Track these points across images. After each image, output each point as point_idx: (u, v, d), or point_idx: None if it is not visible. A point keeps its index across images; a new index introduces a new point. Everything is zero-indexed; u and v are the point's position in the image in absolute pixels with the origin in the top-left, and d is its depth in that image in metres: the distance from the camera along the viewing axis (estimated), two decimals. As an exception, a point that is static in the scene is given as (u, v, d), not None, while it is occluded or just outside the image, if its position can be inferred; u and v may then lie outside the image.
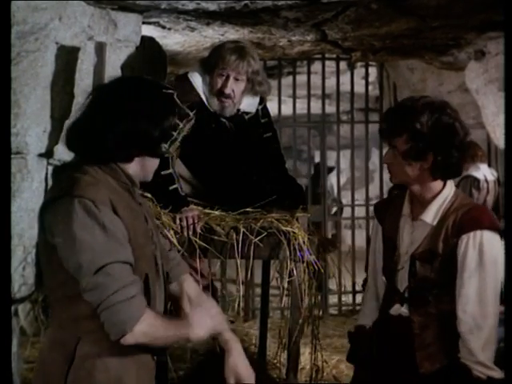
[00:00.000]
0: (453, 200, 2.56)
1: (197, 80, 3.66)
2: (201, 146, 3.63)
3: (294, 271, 3.46)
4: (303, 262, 3.45)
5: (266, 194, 3.58)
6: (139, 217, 2.16)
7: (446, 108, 2.54)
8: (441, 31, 4.79)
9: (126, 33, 3.87)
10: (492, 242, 2.47)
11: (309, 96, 6.95)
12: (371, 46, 5.33)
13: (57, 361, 2.04)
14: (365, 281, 5.94)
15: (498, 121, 5.37)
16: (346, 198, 9.75)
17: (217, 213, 3.48)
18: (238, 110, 3.73)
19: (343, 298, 7.11)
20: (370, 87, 7.56)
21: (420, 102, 2.53)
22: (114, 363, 2.05)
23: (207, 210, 3.50)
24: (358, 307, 6.72)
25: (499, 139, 5.52)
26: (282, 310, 5.75)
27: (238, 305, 4.86)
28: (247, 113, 3.77)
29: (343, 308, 7.08)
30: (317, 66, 7.33)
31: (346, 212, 8.15)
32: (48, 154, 3.48)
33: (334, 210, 8.48)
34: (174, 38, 4.72)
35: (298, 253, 3.43)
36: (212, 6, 3.83)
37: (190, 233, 3.36)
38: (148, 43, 4.20)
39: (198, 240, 3.36)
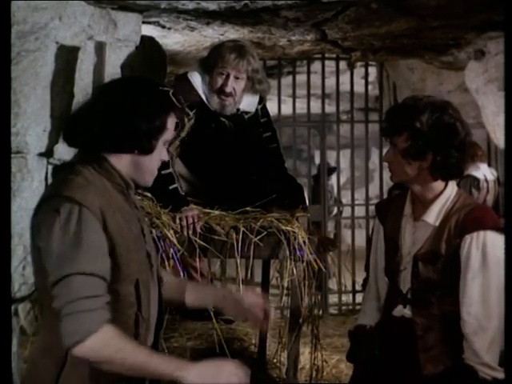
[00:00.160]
0: (455, 200, 2.56)
1: (196, 80, 3.67)
2: (200, 146, 3.63)
3: (294, 271, 3.46)
4: (303, 261, 3.45)
5: (265, 194, 3.59)
6: (132, 220, 2.13)
7: (447, 108, 2.53)
8: (441, 31, 4.79)
9: (126, 32, 3.87)
10: (495, 242, 2.45)
11: (308, 96, 6.95)
12: (371, 46, 5.33)
13: (47, 366, 2.01)
14: (365, 280, 5.95)
15: (497, 120, 5.37)
16: (345, 198, 9.75)
17: (216, 212, 3.48)
18: (238, 109, 3.73)
19: (343, 298, 7.11)
20: (370, 87, 7.56)
21: (422, 102, 2.52)
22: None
23: (207, 210, 3.50)
24: (358, 307, 6.72)
25: (499, 139, 5.52)
26: (282, 309, 5.76)
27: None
28: (247, 112, 3.77)
29: (343, 307, 7.09)
30: (316, 66, 7.33)
31: (346, 212, 8.15)
32: (48, 153, 3.49)
33: (335, 211, 8.48)
34: (174, 38, 4.72)
35: (298, 252, 3.43)
36: (212, 6, 3.83)
37: (190, 232, 3.36)
38: (148, 43, 4.20)
39: (197, 239, 3.36)
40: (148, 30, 4.31)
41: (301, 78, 7.05)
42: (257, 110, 3.80)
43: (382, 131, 2.64)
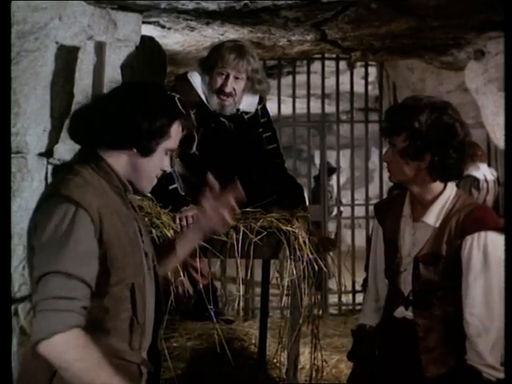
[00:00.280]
0: (455, 201, 2.55)
1: (196, 80, 3.66)
2: (200, 146, 3.63)
3: (294, 271, 3.46)
4: (303, 261, 3.45)
5: (265, 194, 3.59)
6: (129, 223, 2.13)
7: (446, 108, 2.52)
8: (440, 31, 4.80)
9: (126, 32, 3.87)
10: (496, 242, 2.44)
11: (308, 96, 6.95)
12: (371, 46, 5.33)
13: (40, 368, 1.99)
14: (365, 280, 5.95)
15: (497, 120, 5.37)
16: (345, 198, 9.75)
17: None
18: (238, 109, 3.73)
19: (343, 298, 7.10)
20: (370, 87, 7.56)
21: (421, 102, 2.52)
22: None
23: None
24: (357, 307, 6.72)
25: (499, 139, 5.52)
26: (282, 309, 5.76)
27: (238, 304, 4.87)
28: (247, 112, 3.77)
29: (343, 307, 7.08)
30: (316, 66, 7.33)
31: (346, 211, 8.15)
32: (48, 153, 3.49)
33: (335, 212, 8.47)
34: (174, 38, 4.72)
35: (298, 252, 3.43)
36: (212, 6, 3.83)
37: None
38: (148, 43, 4.20)
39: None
40: (148, 30, 4.31)
41: (301, 78, 7.05)
42: (257, 110, 3.80)
43: (381, 131, 2.64)
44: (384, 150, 2.78)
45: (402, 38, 5.01)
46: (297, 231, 3.44)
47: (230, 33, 4.54)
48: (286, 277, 3.58)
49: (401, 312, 2.60)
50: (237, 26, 4.42)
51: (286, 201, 3.62)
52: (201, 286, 4.19)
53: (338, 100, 7.16)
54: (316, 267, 3.47)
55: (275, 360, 4.30)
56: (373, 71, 7.85)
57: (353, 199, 7.33)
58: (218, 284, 5.79)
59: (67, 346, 1.89)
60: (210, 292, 4.18)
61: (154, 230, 3.21)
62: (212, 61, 3.61)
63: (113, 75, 3.77)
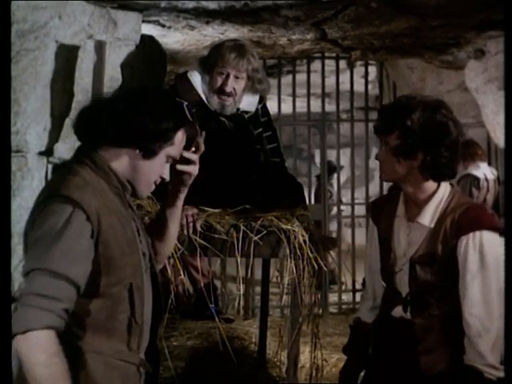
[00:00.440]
0: (449, 200, 2.53)
1: (196, 79, 3.66)
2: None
3: (294, 270, 3.46)
4: (303, 260, 3.45)
5: (265, 193, 3.58)
6: (128, 224, 2.13)
7: (440, 107, 2.50)
8: (440, 30, 4.79)
9: (126, 31, 3.88)
10: (492, 241, 2.43)
11: (308, 95, 6.95)
12: (371, 45, 5.33)
13: None
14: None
15: (497, 120, 5.37)
16: (345, 197, 9.76)
17: (217, 210, 3.48)
18: (238, 109, 3.72)
19: (343, 297, 7.11)
20: (370, 86, 7.56)
21: (414, 100, 2.50)
22: (97, 373, 2.01)
23: (207, 208, 3.49)
24: (358, 306, 6.71)
25: (499, 138, 5.52)
26: (282, 308, 5.77)
27: (238, 303, 4.87)
28: (247, 112, 3.77)
29: (343, 306, 7.09)
30: (316, 65, 7.33)
31: (347, 210, 8.15)
32: (48, 152, 3.49)
33: (335, 211, 8.48)
34: (174, 37, 4.72)
35: (298, 251, 3.43)
36: (212, 5, 3.83)
37: (190, 231, 3.35)
38: (148, 42, 4.20)
39: (197, 238, 3.36)
40: (148, 29, 4.31)
41: (301, 77, 7.05)
42: (257, 109, 3.80)
43: (375, 130, 2.62)
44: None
45: (402, 37, 5.01)
46: (297, 230, 3.44)
47: (230, 32, 4.54)
48: (286, 276, 3.58)
49: (398, 312, 2.59)
50: (237, 25, 4.42)
51: (286, 200, 3.62)
52: (201, 284, 4.19)
53: (338, 99, 7.16)
54: (316, 266, 3.47)
55: (275, 359, 4.30)
56: (373, 70, 7.86)
57: (353, 198, 7.33)
58: (218, 283, 5.79)
59: (37, 347, 1.87)
60: (211, 291, 4.18)
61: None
62: (212, 60, 3.61)
63: (113, 74, 3.78)
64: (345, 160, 9.09)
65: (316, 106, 7.91)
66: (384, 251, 2.66)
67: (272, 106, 4.64)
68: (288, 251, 3.43)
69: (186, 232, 3.34)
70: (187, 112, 2.23)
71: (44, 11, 3.37)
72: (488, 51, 5.34)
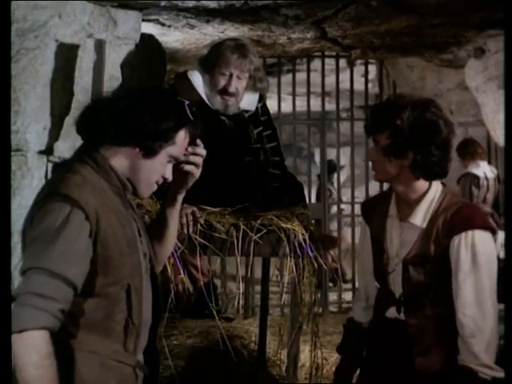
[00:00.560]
0: (441, 200, 2.52)
1: (196, 78, 3.66)
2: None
3: (294, 269, 3.46)
4: (303, 259, 3.45)
5: (265, 192, 3.58)
6: (128, 224, 2.12)
7: (429, 106, 2.49)
8: (441, 29, 4.79)
9: (126, 30, 3.87)
10: (484, 241, 2.44)
11: (308, 93, 6.95)
12: (371, 44, 5.33)
13: None
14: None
15: (497, 118, 5.37)
16: (345, 196, 9.76)
17: (216, 210, 3.48)
18: (238, 108, 3.73)
19: (343, 296, 7.11)
20: (370, 85, 7.56)
21: (404, 99, 2.50)
22: (91, 373, 2.01)
23: (207, 207, 3.49)
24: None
25: (499, 137, 5.52)
26: (282, 307, 5.77)
27: (238, 302, 4.87)
28: (247, 111, 3.77)
29: (343, 305, 7.09)
30: (316, 64, 7.33)
31: (347, 209, 8.15)
32: (48, 151, 3.49)
33: (335, 209, 8.48)
34: (174, 36, 4.72)
35: (298, 250, 3.43)
36: (212, 4, 3.83)
37: (190, 230, 3.35)
38: (147, 41, 4.20)
39: (197, 237, 3.36)
40: (148, 28, 4.31)
41: (301, 76, 7.05)
42: (257, 108, 3.80)
43: (365, 129, 2.61)
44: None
45: (402, 36, 5.01)
46: (297, 229, 3.44)
47: (230, 31, 4.54)
48: (285, 274, 3.58)
49: (392, 313, 2.58)
50: (237, 24, 4.42)
51: (286, 198, 3.62)
52: (201, 283, 4.19)
53: (338, 98, 7.16)
54: (316, 265, 3.47)
55: (275, 358, 4.31)
56: (373, 69, 7.85)
57: (353, 197, 7.33)
58: (218, 282, 5.79)
59: (31, 347, 1.86)
60: (211, 290, 4.18)
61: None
62: (214, 60, 3.60)
63: (113, 73, 3.78)
64: (345, 159, 9.09)
65: (316, 104, 7.91)
66: (377, 251, 2.66)
67: (272, 104, 4.64)
68: (288, 250, 3.43)
69: (185, 231, 3.34)
70: (188, 111, 2.21)
71: (44, 10, 3.37)
72: (488, 50, 5.34)
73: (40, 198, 2.04)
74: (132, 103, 2.10)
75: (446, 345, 2.48)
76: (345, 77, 7.34)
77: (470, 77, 5.76)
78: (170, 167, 2.19)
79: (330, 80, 7.35)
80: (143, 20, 4.05)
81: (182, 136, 2.17)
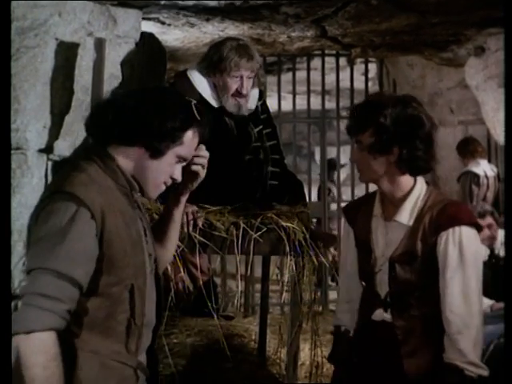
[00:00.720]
0: (426, 198, 2.53)
1: (196, 78, 3.66)
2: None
3: (294, 267, 3.46)
4: (303, 257, 3.45)
5: (265, 190, 3.58)
6: (133, 224, 2.10)
7: (410, 101, 2.51)
8: (441, 27, 4.80)
9: (126, 29, 3.87)
10: (471, 237, 2.45)
11: (308, 92, 6.94)
12: (371, 42, 5.33)
13: None
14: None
15: (497, 117, 5.38)
16: (346, 194, 9.75)
17: (216, 208, 3.48)
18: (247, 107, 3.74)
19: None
20: (370, 83, 7.55)
21: (385, 97, 2.53)
22: (91, 373, 2.00)
23: (207, 206, 3.49)
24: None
25: (499, 135, 5.53)
26: (282, 305, 5.77)
27: (238, 300, 4.87)
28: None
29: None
30: (316, 62, 7.32)
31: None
32: (48, 149, 3.49)
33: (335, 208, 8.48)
34: (174, 34, 4.72)
35: (298, 248, 3.43)
36: (212, 2, 3.84)
37: (190, 228, 3.35)
38: (147, 39, 4.19)
39: (197, 235, 3.36)
40: (148, 27, 4.31)
41: (301, 75, 7.05)
42: (257, 106, 3.80)
43: (347, 130, 2.61)
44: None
45: (402, 35, 5.01)
46: (297, 227, 3.44)
47: (230, 29, 4.54)
48: (285, 273, 3.58)
49: (379, 315, 2.57)
50: (237, 23, 4.42)
51: (286, 197, 3.62)
52: (201, 282, 4.19)
53: (338, 96, 7.15)
54: (316, 263, 3.47)
55: (275, 356, 4.31)
56: (373, 67, 7.85)
57: (353, 195, 7.32)
58: (218, 280, 5.79)
59: (38, 349, 1.86)
60: (210, 288, 4.18)
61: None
62: (221, 64, 3.59)
63: (112, 72, 3.77)
64: (345, 157, 9.05)
65: (316, 103, 7.91)
66: (362, 253, 2.65)
67: (272, 103, 4.64)
68: (288, 248, 3.43)
69: (185, 229, 3.34)
70: (195, 111, 2.20)
71: (44, 9, 3.37)
72: (488, 48, 5.34)
73: (45, 195, 2.03)
74: (137, 103, 2.09)
75: (434, 345, 2.47)
76: (345, 75, 7.33)
77: (470, 75, 5.76)
78: (178, 168, 2.17)
79: (330, 78, 7.35)
80: (143, 18, 4.05)
81: (189, 136, 2.15)
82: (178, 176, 2.18)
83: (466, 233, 2.44)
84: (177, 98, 2.22)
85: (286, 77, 7.50)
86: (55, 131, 3.51)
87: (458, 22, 4.65)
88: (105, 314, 2.02)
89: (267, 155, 3.80)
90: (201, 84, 3.64)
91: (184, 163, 2.20)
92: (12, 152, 3.24)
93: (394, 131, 2.44)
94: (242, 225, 3.40)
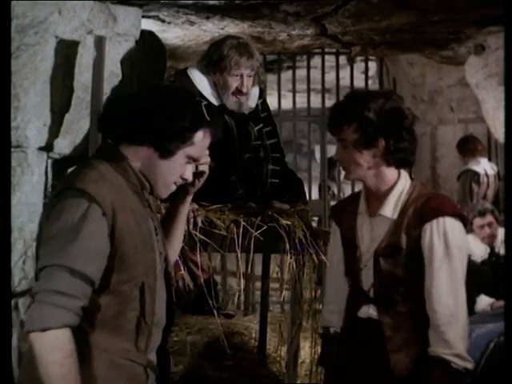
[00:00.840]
0: (410, 192, 2.53)
1: (196, 76, 3.67)
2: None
3: (294, 265, 3.46)
4: (303, 255, 3.45)
5: (266, 188, 3.59)
6: (144, 222, 2.10)
7: (391, 94, 2.55)
8: (441, 25, 4.79)
9: (126, 27, 3.87)
10: (455, 228, 2.45)
11: (308, 90, 6.94)
12: (371, 41, 5.33)
13: None
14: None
15: (498, 115, 5.37)
16: (346, 192, 9.75)
17: (217, 206, 3.48)
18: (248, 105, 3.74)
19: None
20: (370, 82, 7.55)
21: (365, 92, 2.58)
22: (100, 370, 2.00)
23: (207, 204, 3.49)
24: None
25: (499, 133, 5.52)
26: (282, 303, 5.77)
27: (238, 298, 4.88)
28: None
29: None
30: (316, 61, 7.32)
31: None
32: (48, 147, 3.49)
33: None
34: (174, 32, 4.72)
35: (299, 246, 3.43)
36: (212, 0, 3.83)
37: (191, 226, 3.35)
38: (147, 37, 4.19)
39: (198, 234, 3.36)
40: (148, 25, 4.30)
41: (301, 73, 7.05)
42: (257, 104, 3.81)
43: (329, 128, 2.61)
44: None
45: (403, 33, 5.00)
46: (297, 225, 3.44)
47: (230, 27, 4.54)
48: (286, 271, 3.58)
49: (365, 312, 2.56)
50: (237, 21, 4.42)
51: (286, 195, 3.62)
52: (201, 280, 4.20)
53: (338, 94, 7.13)
54: (316, 261, 3.47)
55: (275, 354, 4.31)
56: (373, 66, 7.85)
57: (353, 194, 7.32)
58: (218, 278, 5.79)
59: (55, 345, 1.87)
60: (211, 286, 4.19)
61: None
62: (221, 63, 3.60)
63: (112, 70, 3.77)
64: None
65: (316, 101, 7.90)
66: (348, 250, 2.65)
67: (272, 101, 4.64)
68: (288, 246, 3.43)
69: (186, 227, 3.34)
70: (205, 112, 2.19)
71: (44, 6, 3.36)
72: (488, 46, 5.34)
73: (56, 192, 2.03)
74: (147, 103, 2.10)
75: (420, 341, 2.45)
76: (345, 74, 7.33)
77: (471, 73, 5.76)
78: (189, 168, 2.18)
79: (330, 77, 7.34)
80: (143, 16, 4.05)
81: (200, 137, 2.15)
82: (189, 176, 2.18)
83: (450, 224, 2.44)
84: (186, 97, 2.21)
85: (286, 75, 7.50)
86: (55, 129, 3.51)
87: (458, 20, 4.65)
88: (115, 312, 2.02)
89: (267, 153, 3.80)
90: (201, 82, 3.65)
91: (194, 163, 2.20)
92: (12, 150, 3.24)
93: (378, 124, 2.45)
94: (243, 223, 3.40)
